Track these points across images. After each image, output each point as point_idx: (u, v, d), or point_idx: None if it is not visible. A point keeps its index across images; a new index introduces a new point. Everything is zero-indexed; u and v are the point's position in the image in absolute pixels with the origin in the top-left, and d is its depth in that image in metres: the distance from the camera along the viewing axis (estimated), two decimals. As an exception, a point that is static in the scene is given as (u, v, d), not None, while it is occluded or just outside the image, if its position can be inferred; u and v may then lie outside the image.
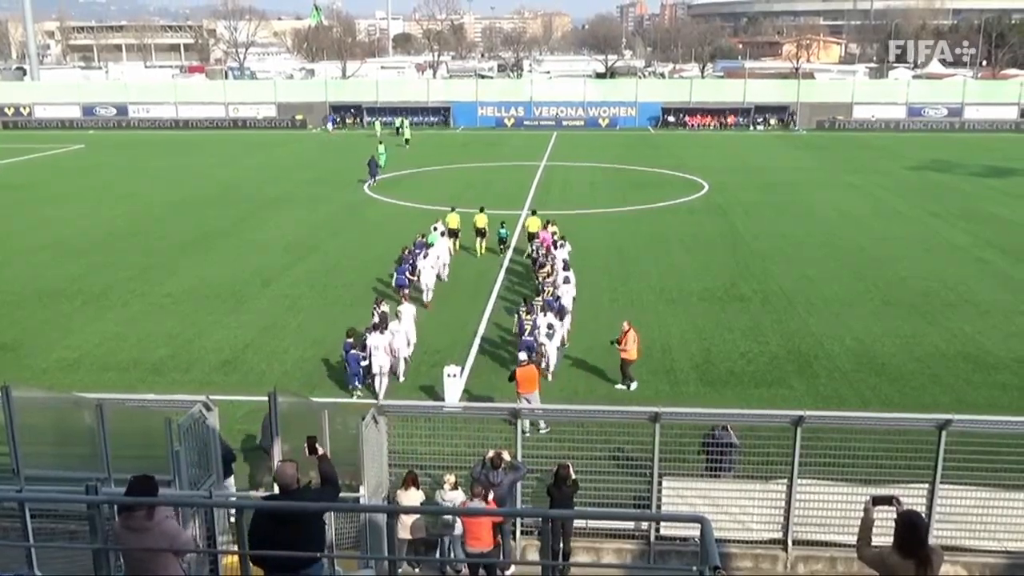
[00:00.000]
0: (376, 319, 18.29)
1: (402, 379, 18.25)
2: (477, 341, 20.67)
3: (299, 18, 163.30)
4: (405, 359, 18.57)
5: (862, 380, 18.31)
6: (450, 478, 11.84)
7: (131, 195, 40.84)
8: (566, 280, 21.50)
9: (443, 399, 16.59)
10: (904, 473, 11.59)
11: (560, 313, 19.54)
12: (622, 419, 13.11)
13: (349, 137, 66.13)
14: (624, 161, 51.59)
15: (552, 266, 23.24)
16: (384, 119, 68.77)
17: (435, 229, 27.89)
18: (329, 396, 16.89)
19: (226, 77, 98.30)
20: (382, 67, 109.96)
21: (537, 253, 25.95)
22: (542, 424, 15.39)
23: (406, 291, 22.72)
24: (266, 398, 10.54)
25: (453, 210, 30.59)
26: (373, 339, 17.42)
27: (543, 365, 17.90)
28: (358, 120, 73.11)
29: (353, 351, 17.53)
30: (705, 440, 12.43)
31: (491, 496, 11.35)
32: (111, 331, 21.46)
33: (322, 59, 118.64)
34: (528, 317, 18.88)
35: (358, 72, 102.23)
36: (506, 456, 11.80)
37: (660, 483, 11.78)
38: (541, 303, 19.57)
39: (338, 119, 72.27)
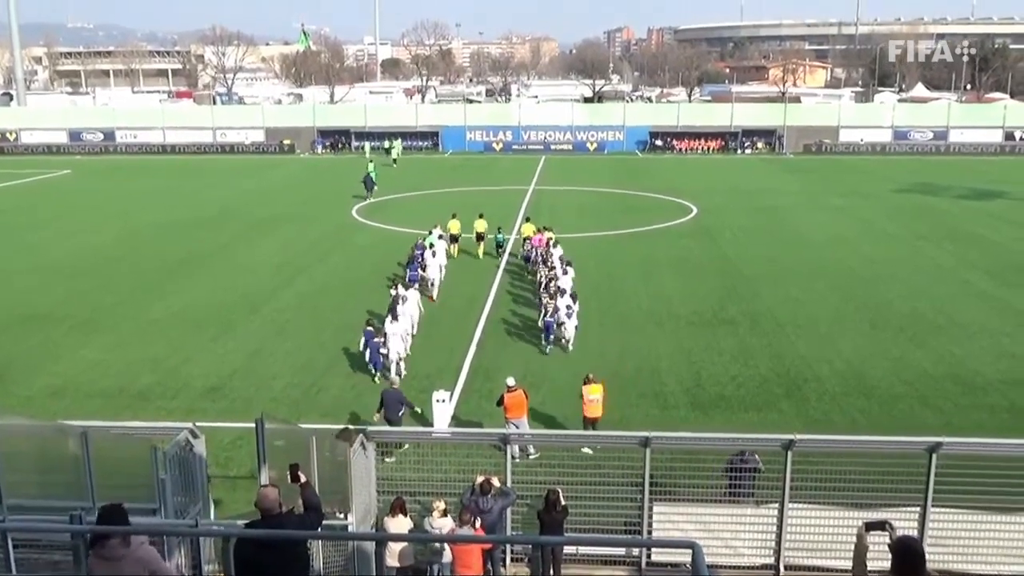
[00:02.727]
0: (396, 304, 21.10)
1: (405, 355, 20.22)
2: (467, 366, 20.66)
3: (287, 43, 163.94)
4: (413, 337, 21.53)
5: (851, 403, 18.34)
6: (439, 504, 11.76)
7: (118, 218, 40.75)
8: (565, 272, 24.67)
9: (432, 425, 16.53)
10: (895, 497, 11.58)
11: (573, 297, 22.40)
12: (612, 444, 13.07)
13: (337, 162, 66.28)
14: (613, 185, 51.88)
15: (550, 261, 26.17)
16: (373, 143, 69.07)
17: (432, 232, 29.69)
18: (318, 422, 16.78)
19: (214, 102, 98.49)
20: (370, 92, 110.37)
21: (531, 254, 29.61)
22: (531, 449, 15.34)
23: (417, 286, 24.72)
24: (253, 425, 10.48)
25: (455, 216, 32.99)
26: (390, 327, 19.77)
27: (563, 340, 21.59)
28: (346, 145, 73.33)
29: (375, 339, 19.67)
30: (731, 465, 12.36)
31: (480, 523, 11.27)
32: (97, 357, 21.32)
33: (310, 84, 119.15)
34: (550, 302, 22.45)
35: (346, 97, 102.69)
36: (495, 482, 11.75)
37: (651, 508, 11.74)
38: (555, 289, 22.90)
39: (327, 143, 72.50)
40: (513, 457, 12.76)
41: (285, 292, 27.56)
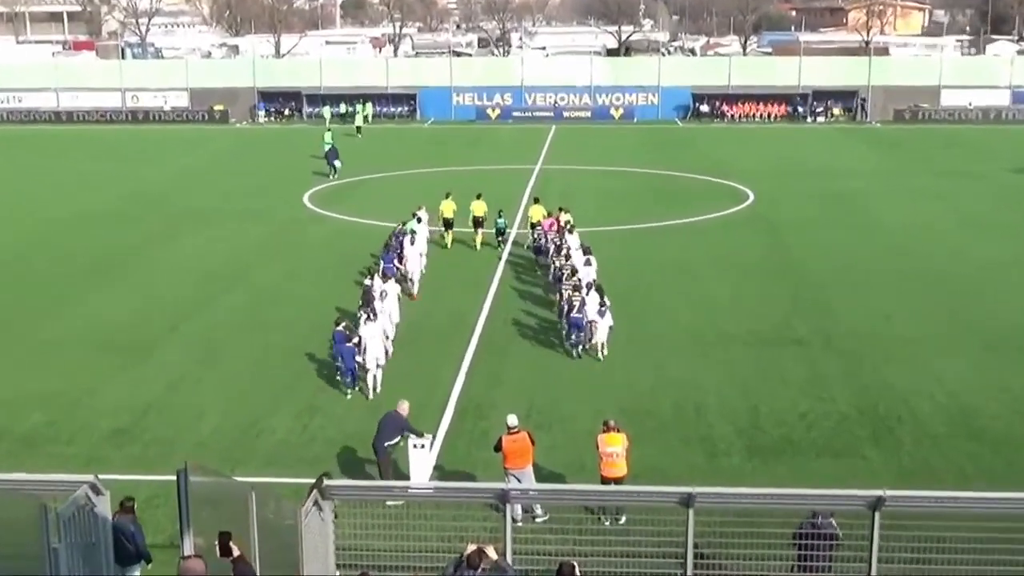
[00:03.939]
0: (372, 300, 22.45)
1: (383, 362, 21.24)
2: (454, 398, 20.63)
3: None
4: (391, 337, 22.78)
5: (958, 448, 18.32)
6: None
7: (3, 210, 40.79)
8: (587, 262, 25.67)
9: (407, 477, 16.53)
10: (1019, 572, 11.57)
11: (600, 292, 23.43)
12: (644, 503, 13.06)
13: (284, 134, 66.40)
14: (644, 163, 51.94)
15: (566, 249, 27.09)
16: (335, 109, 69.36)
17: (415, 215, 30.97)
18: (259, 474, 16.76)
19: (123, 56, 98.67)
20: (327, 42, 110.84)
21: (539, 241, 30.56)
22: (538, 510, 15.34)
23: (393, 280, 25.43)
24: (174, 477, 10.47)
25: (448, 196, 33.77)
26: (367, 330, 20.76)
27: (592, 342, 22.79)
28: (296, 112, 73.47)
29: (348, 344, 20.40)
30: (800, 531, 12.32)
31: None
32: (-31, 390, 21.31)
33: (249, 32, 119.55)
34: (576, 295, 23.33)
35: (296, 49, 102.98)
36: (491, 553, 11.71)
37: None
38: (578, 281, 24.03)
39: (271, 110, 72.70)
40: (514, 520, 12.74)
41: (218, 304, 27.57)
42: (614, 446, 15.77)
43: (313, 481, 12.42)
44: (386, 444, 16.66)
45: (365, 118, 66.29)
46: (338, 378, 21.13)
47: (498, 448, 15.92)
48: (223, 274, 30.67)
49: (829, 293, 28.20)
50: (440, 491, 14.16)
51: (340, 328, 21.05)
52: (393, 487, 15.18)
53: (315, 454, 18.09)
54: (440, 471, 17.23)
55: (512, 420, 16.23)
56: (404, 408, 17.20)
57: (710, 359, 23.00)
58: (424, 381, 21.58)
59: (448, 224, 33.21)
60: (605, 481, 15.71)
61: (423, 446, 16.74)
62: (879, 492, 11.64)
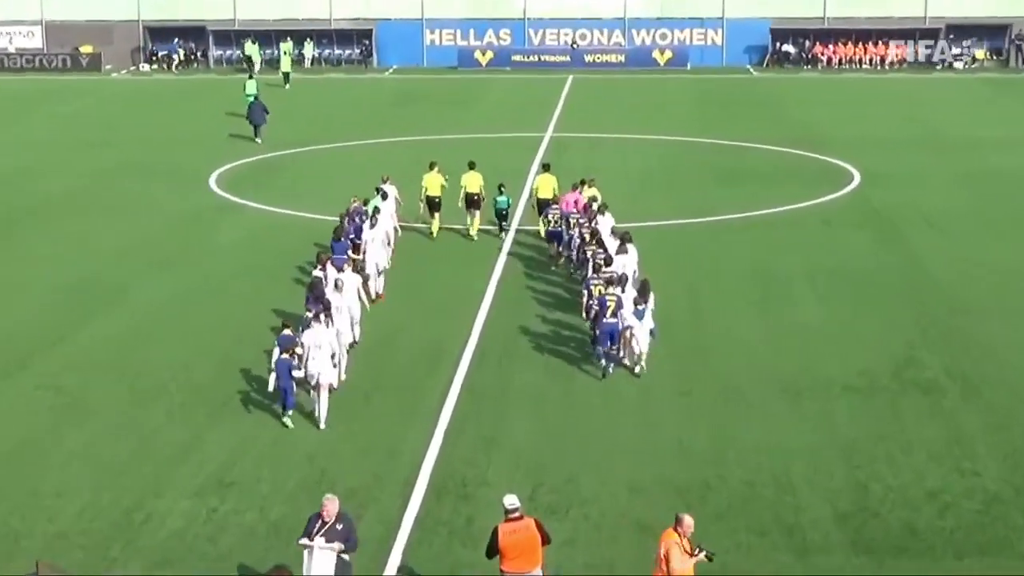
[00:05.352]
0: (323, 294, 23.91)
1: (343, 376, 23.09)
2: (427, 469, 20.56)
3: None
4: (350, 345, 24.52)
5: None
6: None
7: None
8: (622, 250, 27.33)
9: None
10: None
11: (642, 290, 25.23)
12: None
13: (181, 87, 66.35)
14: (701, 129, 52.10)
15: (596, 233, 28.35)
16: (267, 49, 69.69)
17: (379, 190, 32.55)
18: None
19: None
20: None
21: (560, 226, 31.25)
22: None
23: (351, 271, 26.79)
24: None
25: (433, 168, 34.70)
26: (311, 334, 21.91)
27: (632, 350, 24.16)
28: (199, 55, 73.48)
29: (284, 356, 21.70)
30: None
31: None
32: None
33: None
34: (610, 292, 24.49)
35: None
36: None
37: None
38: (611, 275, 25.40)
39: (161, 54, 72.79)
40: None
41: (82, 334, 27.62)
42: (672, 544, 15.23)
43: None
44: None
45: (294, 61, 66.29)
46: (280, 410, 21.96)
47: (493, 546, 15.85)
48: (90, 291, 30.67)
49: (973, 321, 28.20)
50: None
51: (287, 332, 22.40)
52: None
53: (227, 548, 18.09)
54: (408, 572, 17.20)
55: (512, 502, 16.15)
56: (331, 509, 16.27)
57: (799, 412, 22.97)
58: (382, 442, 21.57)
59: (433, 204, 34.02)
60: None
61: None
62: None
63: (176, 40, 73.98)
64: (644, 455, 21.03)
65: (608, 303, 24.24)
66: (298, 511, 18.00)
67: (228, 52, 71.16)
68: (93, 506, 19.52)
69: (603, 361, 24.48)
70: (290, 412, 22.16)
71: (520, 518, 15.91)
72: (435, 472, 20.62)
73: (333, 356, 22.50)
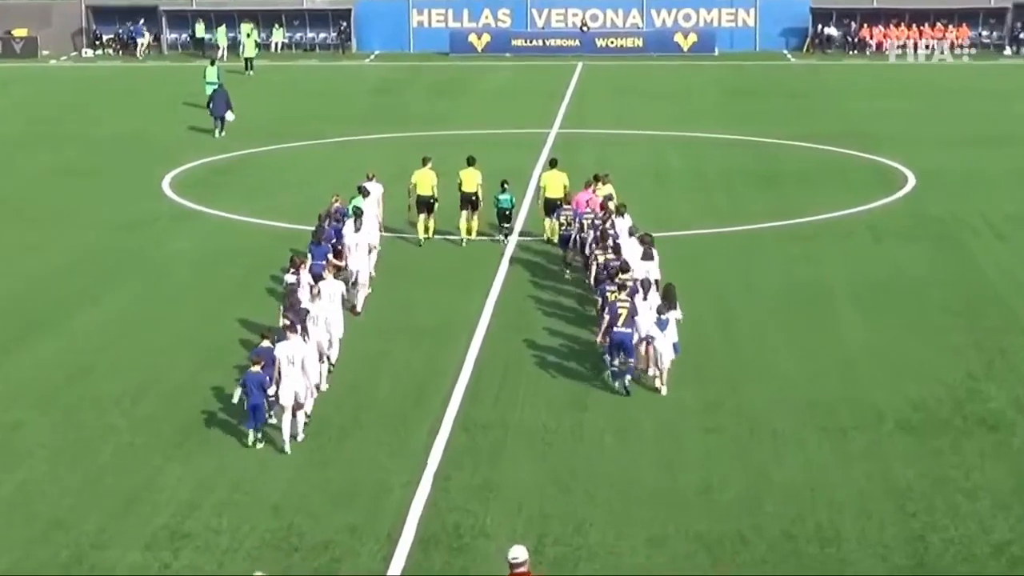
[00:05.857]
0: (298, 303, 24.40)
1: (324, 387, 24.12)
2: (415, 513, 20.44)
3: None
4: (329, 359, 25.12)
5: None
6: None
7: None
8: (646, 255, 27.83)
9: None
10: None
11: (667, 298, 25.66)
12: None
13: (129, 74, 66.47)
14: (730, 125, 52.29)
15: (612, 237, 28.89)
16: (231, 33, 70.04)
17: (361, 188, 32.45)
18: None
19: None
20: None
21: (571, 229, 31.67)
22: None
23: (332, 277, 27.30)
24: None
25: (426, 164, 35.06)
26: (286, 348, 22.25)
27: (653, 366, 24.64)
28: (151, 39, 73.71)
29: (253, 370, 22.15)
30: None
31: None
32: None
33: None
34: (623, 299, 24.76)
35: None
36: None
37: None
38: (628, 283, 25.67)
39: (107, 37, 72.99)
40: None
41: (9, 363, 27.60)
42: None
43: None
44: None
45: (258, 45, 66.49)
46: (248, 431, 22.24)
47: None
48: (23, 312, 30.70)
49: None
50: None
51: (266, 344, 22.88)
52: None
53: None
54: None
55: (517, 555, 16.07)
56: None
57: (845, 451, 22.87)
58: (361, 487, 21.46)
59: (426, 205, 34.19)
60: None
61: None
62: None
63: (122, 20, 73.93)
64: (665, 501, 20.85)
65: (619, 310, 24.35)
66: (262, 568, 17.80)
67: (180, 35, 71.25)
68: (25, 562, 19.37)
69: (613, 381, 24.72)
70: (259, 435, 22.51)
71: (526, 574, 15.82)
72: (423, 521, 20.45)
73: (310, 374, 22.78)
